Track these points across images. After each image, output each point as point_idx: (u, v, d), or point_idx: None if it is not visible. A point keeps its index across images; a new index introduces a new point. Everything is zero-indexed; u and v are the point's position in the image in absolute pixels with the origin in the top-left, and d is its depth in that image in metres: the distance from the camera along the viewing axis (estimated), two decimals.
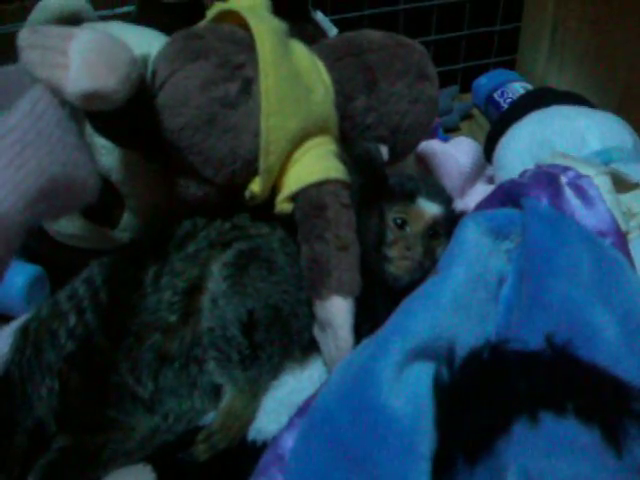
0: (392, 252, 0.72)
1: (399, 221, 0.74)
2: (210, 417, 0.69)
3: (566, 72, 1.19)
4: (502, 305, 0.65)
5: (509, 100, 1.18)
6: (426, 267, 0.70)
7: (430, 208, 0.74)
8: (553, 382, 0.50)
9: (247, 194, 0.71)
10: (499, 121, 1.00)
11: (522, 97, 1.05)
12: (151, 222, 0.80)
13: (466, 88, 1.35)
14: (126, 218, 0.81)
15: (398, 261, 0.72)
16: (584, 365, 0.51)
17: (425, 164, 1.02)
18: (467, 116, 1.30)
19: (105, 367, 0.68)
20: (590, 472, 0.46)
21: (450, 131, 1.25)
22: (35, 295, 0.88)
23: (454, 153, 1.03)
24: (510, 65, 1.38)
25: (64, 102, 0.56)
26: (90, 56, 0.57)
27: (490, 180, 1.06)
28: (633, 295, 0.60)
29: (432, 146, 1.01)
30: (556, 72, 1.23)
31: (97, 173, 0.59)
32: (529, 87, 1.22)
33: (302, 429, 0.56)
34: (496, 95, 1.22)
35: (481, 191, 1.06)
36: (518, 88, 1.20)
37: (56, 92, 0.55)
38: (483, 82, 1.28)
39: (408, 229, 0.74)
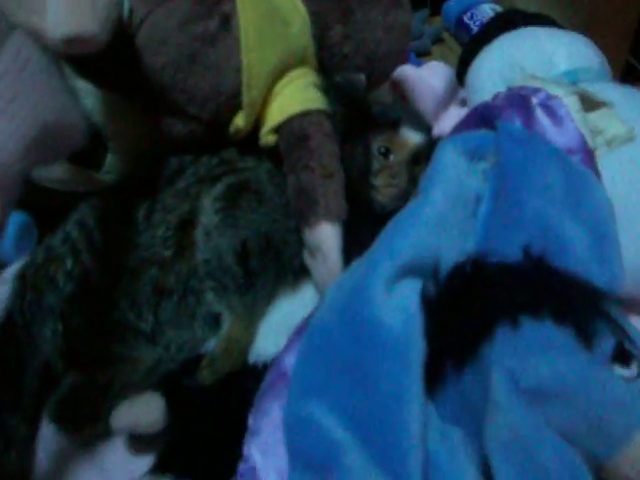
0: (378, 180, 0.76)
1: (383, 150, 0.76)
2: (211, 344, 0.72)
3: None
4: (480, 222, 0.68)
5: (478, 23, 1.18)
6: (410, 193, 0.73)
7: (413, 137, 0.77)
8: (530, 289, 0.54)
9: (232, 129, 0.72)
10: (470, 44, 1.01)
11: (492, 20, 1.06)
12: (135, 162, 0.81)
13: (436, 11, 1.34)
14: (109, 160, 0.81)
15: (384, 189, 0.75)
16: (558, 273, 0.55)
17: (399, 90, 1.03)
18: (438, 40, 1.30)
19: (105, 305, 0.70)
20: (564, 366, 0.51)
21: (422, 55, 1.25)
22: (24, 242, 0.89)
23: (427, 78, 1.04)
24: None
25: (46, 47, 0.57)
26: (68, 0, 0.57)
27: (463, 103, 1.07)
28: (600, 207, 0.64)
29: (405, 72, 1.01)
30: None
31: (84, 117, 0.60)
32: (498, 9, 1.22)
33: (302, 347, 0.60)
34: (466, 18, 1.22)
35: (454, 114, 1.05)
36: (487, 10, 1.21)
37: (37, 38, 0.56)
38: (452, 5, 1.28)
39: (392, 157, 0.77)
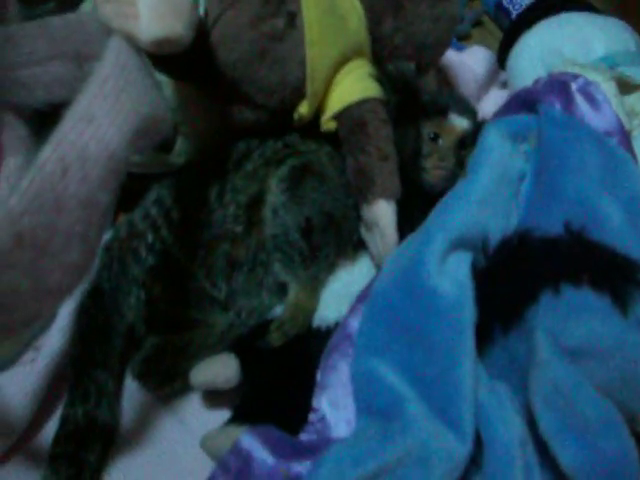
0: (428, 163, 0.79)
1: (432, 135, 0.81)
2: (277, 311, 0.79)
3: None
4: (523, 199, 0.73)
5: (517, 7, 1.21)
6: (457, 175, 0.77)
7: (460, 122, 0.81)
8: (571, 260, 0.60)
9: (296, 116, 0.77)
10: (511, 30, 1.04)
11: (532, 5, 1.09)
12: (205, 146, 0.86)
13: None
14: (180, 143, 0.87)
15: (433, 171, 0.79)
16: (596, 245, 0.61)
17: (444, 74, 1.08)
18: (478, 23, 1.33)
19: (183, 275, 0.76)
20: (601, 329, 0.57)
21: (462, 39, 1.29)
22: None
23: (469, 63, 1.10)
24: None
25: (138, 48, 0.63)
26: (157, 5, 0.63)
27: (503, 85, 1.12)
28: (635, 185, 0.69)
29: (449, 57, 1.06)
30: None
31: (168, 109, 0.67)
32: None
33: (365, 312, 0.66)
34: (505, 2, 1.25)
35: (495, 96, 1.13)
36: None
37: (131, 40, 0.62)
38: None
39: (441, 142, 0.81)
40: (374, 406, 0.61)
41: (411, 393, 0.60)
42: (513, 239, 0.64)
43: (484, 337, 0.62)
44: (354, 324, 0.67)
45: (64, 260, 0.53)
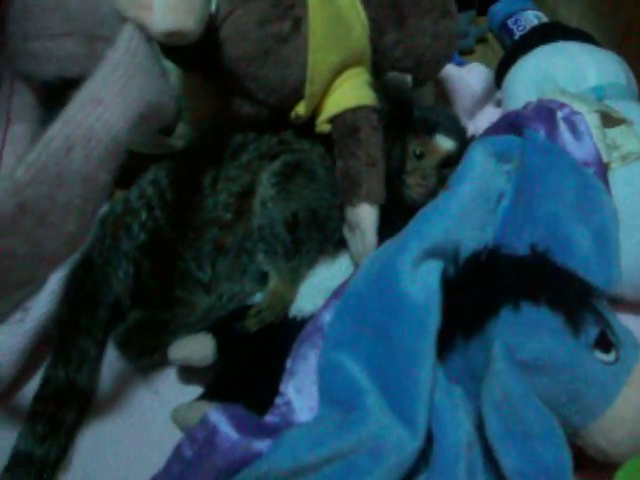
0: (410, 180, 0.83)
1: (418, 152, 0.84)
2: (256, 298, 0.81)
3: (576, 4, 1.25)
4: (500, 217, 0.77)
5: (522, 28, 1.24)
6: (438, 193, 0.79)
7: (446, 144, 0.84)
8: (532, 279, 0.63)
9: (293, 115, 0.80)
10: (510, 51, 1.08)
11: (532, 30, 1.12)
12: (204, 133, 0.89)
13: (482, 11, 1.39)
14: (181, 127, 0.90)
15: (415, 188, 0.82)
16: (557, 268, 0.64)
17: (441, 87, 1.11)
18: (482, 39, 1.36)
19: (172, 255, 0.79)
20: (553, 346, 0.60)
21: (465, 53, 1.31)
22: None
23: (468, 79, 1.12)
24: None
25: (149, 38, 0.66)
26: None
27: (498, 103, 1.15)
28: (606, 216, 0.72)
29: (449, 71, 1.09)
30: (566, 2, 1.29)
31: (173, 97, 0.70)
32: (541, 15, 1.27)
33: (337, 308, 0.69)
34: (510, 22, 1.27)
35: (489, 113, 1.16)
36: (531, 16, 1.26)
37: (143, 30, 0.65)
38: (498, 8, 1.33)
39: (424, 160, 0.84)
40: (336, 396, 0.64)
41: (372, 387, 0.63)
42: (482, 254, 0.67)
43: (446, 343, 0.65)
44: (326, 317, 0.70)
45: (61, 230, 0.56)
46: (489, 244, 0.73)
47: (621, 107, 0.87)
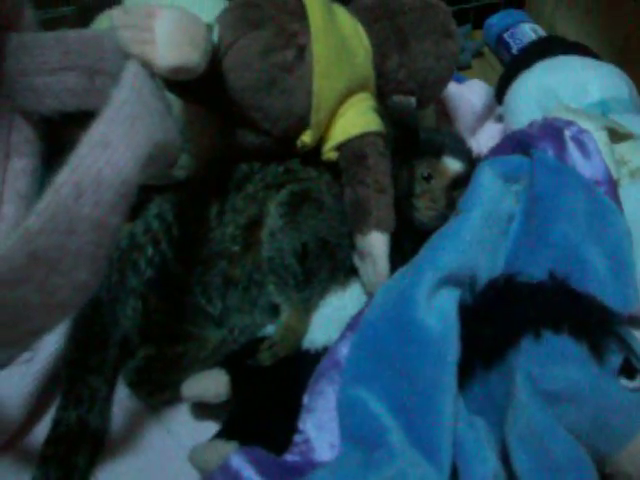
0: (419, 203, 0.82)
1: (426, 175, 0.83)
2: (268, 329, 0.81)
3: (572, 17, 1.25)
4: (511, 240, 0.76)
5: (519, 42, 1.23)
6: (447, 215, 0.79)
7: (454, 165, 0.83)
8: (553, 307, 0.62)
9: (299, 143, 0.79)
10: (510, 67, 1.07)
11: (532, 45, 1.12)
12: (208, 163, 0.88)
13: (478, 25, 1.40)
14: (183, 158, 0.88)
15: (424, 210, 0.82)
16: (578, 295, 0.63)
17: (442, 106, 1.11)
18: (478, 54, 1.36)
19: (180, 290, 0.78)
20: (577, 375, 0.59)
21: (462, 69, 1.31)
22: None
23: (468, 95, 1.12)
24: (520, 4, 1.42)
25: (153, 74, 0.66)
26: (175, 34, 0.65)
27: (499, 119, 1.15)
28: (620, 236, 0.72)
29: (449, 89, 1.09)
30: (563, 14, 1.29)
31: (179, 134, 0.69)
32: (537, 28, 1.27)
33: (354, 341, 0.68)
34: (506, 36, 1.27)
35: (490, 129, 1.16)
36: (527, 30, 1.26)
37: (147, 66, 0.64)
38: (494, 22, 1.33)
39: (433, 182, 0.83)
40: (357, 434, 0.63)
41: (393, 423, 0.62)
42: (499, 282, 0.66)
43: (466, 373, 0.64)
44: (343, 351, 0.69)
45: (73, 278, 0.55)
46: (502, 269, 0.72)
47: (626, 121, 0.87)
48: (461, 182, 0.81)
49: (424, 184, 0.83)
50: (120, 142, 0.57)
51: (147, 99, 0.62)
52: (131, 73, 0.62)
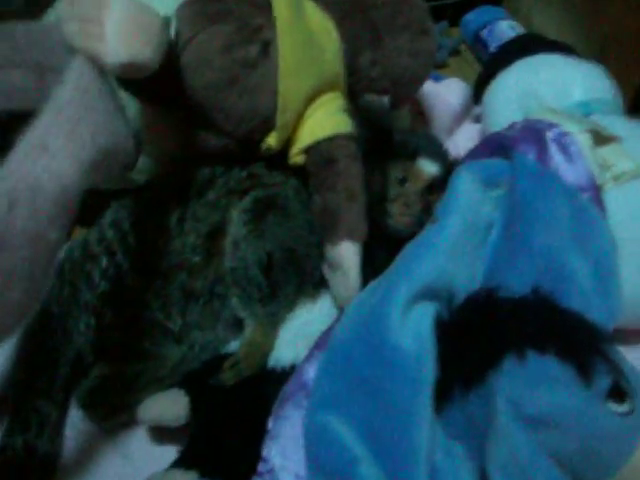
0: (393, 208, 0.78)
1: (400, 177, 0.79)
2: (232, 346, 0.76)
3: (551, 14, 1.22)
4: (490, 249, 0.72)
5: (496, 39, 1.20)
6: (423, 221, 0.75)
7: (429, 168, 0.79)
8: (538, 326, 0.57)
9: (263, 146, 0.75)
10: (489, 65, 1.04)
11: (510, 42, 1.08)
12: (168, 167, 0.84)
13: (454, 22, 1.36)
14: (142, 161, 0.83)
15: (398, 216, 0.78)
16: (564, 311, 0.60)
17: (417, 106, 1.07)
18: (455, 52, 1.32)
19: (137, 304, 0.74)
20: (564, 400, 0.55)
21: (438, 67, 1.27)
22: None
23: (444, 95, 1.08)
24: (497, 1, 1.39)
25: (102, 71, 0.60)
26: (126, 27, 0.59)
27: (477, 119, 1.11)
28: (604, 245, 0.68)
29: (424, 88, 1.04)
30: (541, 11, 1.26)
31: (132, 136, 0.64)
32: (516, 25, 1.24)
33: (323, 362, 0.64)
34: (483, 33, 1.24)
35: (468, 130, 1.11)
36: (505, 27, 1.22)
37: (95, 62, 0.59)
38: (470, 19, 1.30)
39: (408, 186, 0.79)
40: (325, 464, 0.59)
41: (364, 452, 0.57)
42: (480, 297, 0.63)
43: (443, 396, 0.60)
44: (310, 372, 0.65)
45: (5, 298, 0.50)
46: (481, 281, 0.69)
47: (610, 123, 0.82)
48: (437, 186, 0.78)
49: (398, 188, 0.79)
50: (60, 147, 0.52)
51: (93, 99, 0.56)
52: (76, 71, 0.57)
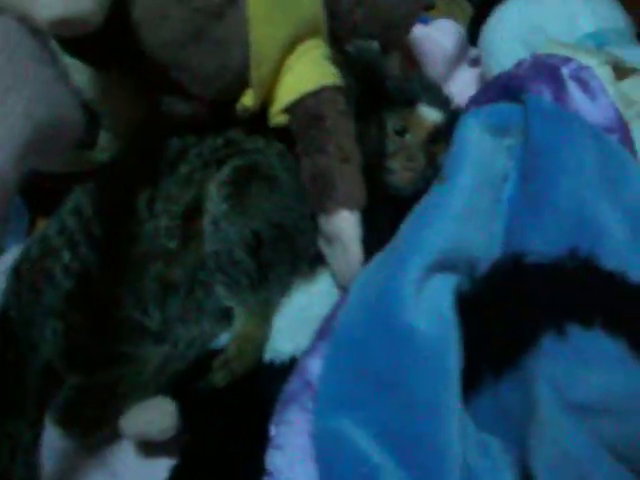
0: (394, 164, 0.72)
1: (399, 128, 0.73)
2: (221, 340, 0.70)
3: None
4: (507, 207, 0.65)
5: None
6: (428, 176, 0.70)
7: (431, 114, 0.74)
8: (579, 295, 0.51)
9: (239, 108, 0.69)
10: (483, 1, 0.96)
11: None
12: (133, 140, 0.76)
13: None
14: (104, 137, 0.76)
15: (401, 172, 0.72)
16: (607, 275, 0.52)
17: (408, 51, 0.99)
18: None
19: (108, 302, 0.67)
20: (617, 380, 0.48)
21: (426, 9, 1.18)
22: (15, 226, 0.85)
23: (436, 37, 1.01)
24: None
25: (35, 30, 0.51)
26: None
27: (473, 63, 1.04)
28: (639, 192, 0.60)
29: (414, 31, 0.96)
30: None
31: (79, 104, 0.55)
32: None
33: (328, 355, 0.57)
34: None
35: (464, 75, 1.05)
36: None
37: (25, 20, 0.50)
38: None
39: (409, 137, 0.73)
40: (341, 476, 0.51)
41: (385, 459, 0.50)
42: (506, 264, 0.56)
43: (471, 384, 0.54)
44: (314, 367, 0.57)
45: None
46: (501, 245, 0.61)
47: (627, 54, 0.75)
48: (441, 135, 0.73)
49: (398, 140, 0.73)
50: None
51: (23, 65, 0.48)
52: (1, 33, 0.47)
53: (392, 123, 0.73)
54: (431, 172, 0.70)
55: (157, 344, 0.69)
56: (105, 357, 0.68)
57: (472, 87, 0.97)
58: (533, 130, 0.64)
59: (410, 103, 0.74)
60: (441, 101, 0.76)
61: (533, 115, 0.65)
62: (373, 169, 0.71)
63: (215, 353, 0.67)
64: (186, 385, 0.66)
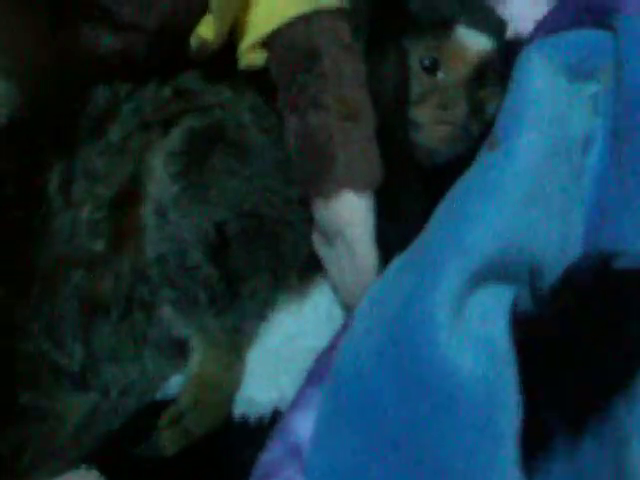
0: (422, 114, 0.74)
1: (428, 62, 0.75)
2: (172, 385, 0.73)
3: None
4: (590, 182, 0.67)
5: None
6: (474, 133, 0.72)
7: (475, 41, 0.76)
8: None
9: (194, 43, 0.71)
10: None
11: None
12: (41, 92, 0.78)
13: None
14: (2, 88, 0.77)
15: (431, 127, 0.75)
16: None
17: None
18: None
19: (7, 334, 0.70)
20: None
21: None
22: None
23: None
24: None
25: None
26: None
27: None
28: None
29: None
30: None
31: None
32: None
33: (324, 406, 0.58)
34: None
35: None
36: None
37: None
38: None
39: (442, 75, 0.75)
40: None
41: None
42: (588, 269, 0.57)
43: (536, 440, 0.55)
44: (304, 427, 0.59)
45: None
46: (582, 241, 0.65)
47: None
48: (492, 74, 0.76)
49: (426, 80, 0.75)
50: None
51: None
52: None
53: (418, 55, 0.76)
54: (477, 129, 0.73)
55: (79, 392, 0.72)
56: (3, 413, 0.70)
57: (541, 7, 0.95)
58: (629, 68, 0.66)
59: (444, 26, 0.76)
60: (490, 23, 0.78)
61: (629, 47, 0.67)
62: (392, 124, 0.72)
63: (162, 405, 0.70)
64: (120, 452, 0.69)
